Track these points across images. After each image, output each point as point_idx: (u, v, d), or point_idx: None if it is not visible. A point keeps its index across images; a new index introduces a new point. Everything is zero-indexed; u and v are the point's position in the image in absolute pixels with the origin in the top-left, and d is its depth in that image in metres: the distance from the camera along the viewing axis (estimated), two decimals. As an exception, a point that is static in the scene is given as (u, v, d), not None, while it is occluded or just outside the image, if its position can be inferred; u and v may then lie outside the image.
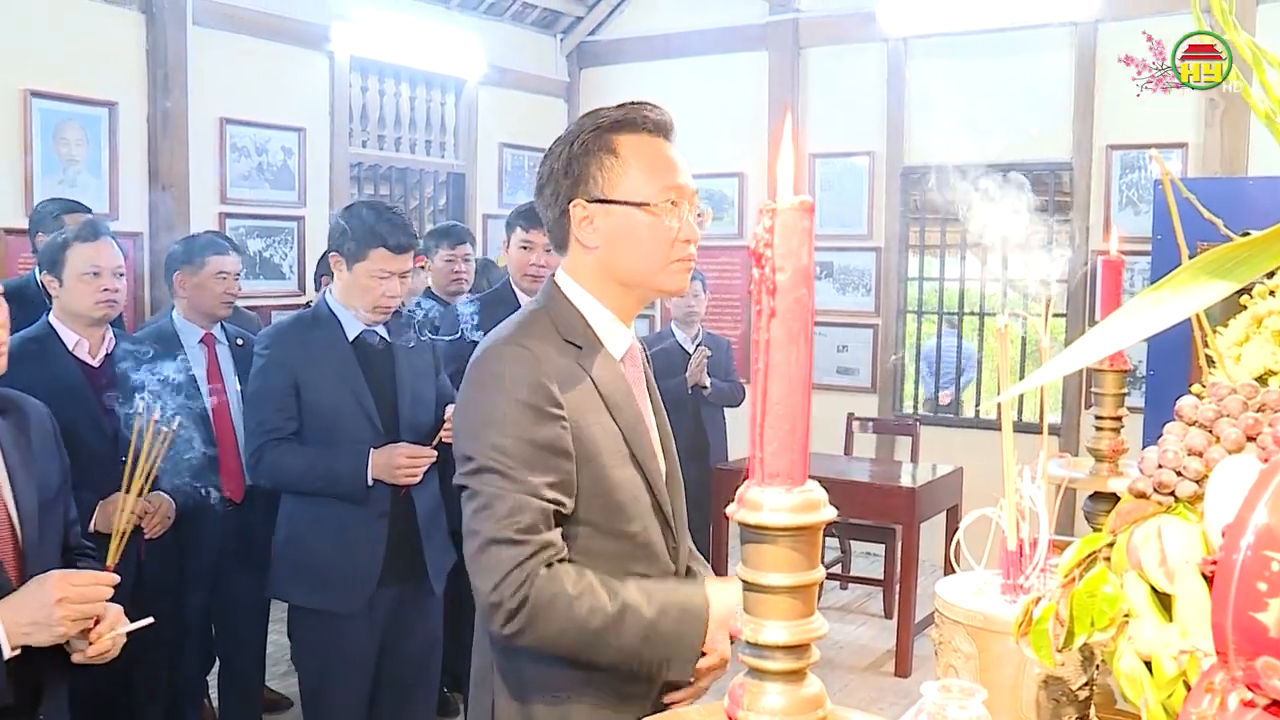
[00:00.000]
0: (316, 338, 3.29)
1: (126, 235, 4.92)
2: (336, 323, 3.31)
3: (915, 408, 7.49)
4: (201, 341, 3.99)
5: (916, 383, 7.47)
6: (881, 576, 6.16)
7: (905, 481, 5.54)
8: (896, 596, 5.59)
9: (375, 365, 3.33)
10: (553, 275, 1.90)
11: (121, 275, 3.44)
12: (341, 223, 3.30)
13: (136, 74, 5.59)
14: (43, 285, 3.79)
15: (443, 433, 3.35)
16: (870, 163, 7.21)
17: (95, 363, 3.41)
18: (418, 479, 3.29)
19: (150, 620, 2.20)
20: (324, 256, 4.48)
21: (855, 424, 6.58)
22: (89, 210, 4.23)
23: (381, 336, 3.38)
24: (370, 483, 3.23)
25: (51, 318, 3.41)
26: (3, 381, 3.24)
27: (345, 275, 3.27)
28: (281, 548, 3.38)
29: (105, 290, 3.37)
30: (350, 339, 3.31)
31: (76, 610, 1.98)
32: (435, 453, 3.33)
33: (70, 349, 3.38)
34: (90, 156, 5.40)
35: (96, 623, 2.05)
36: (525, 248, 4.12)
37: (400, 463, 3.24)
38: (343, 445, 3.25)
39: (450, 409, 3.31)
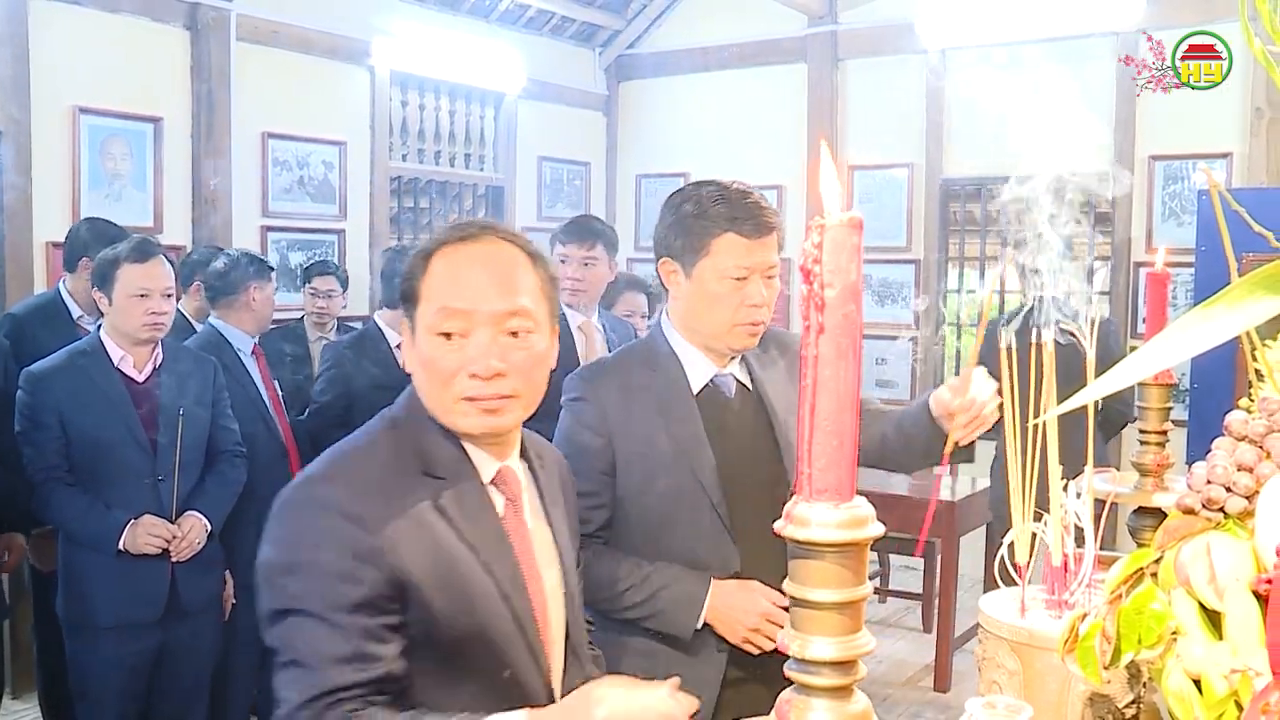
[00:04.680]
0: (648, 381, 2.23)
1: (170, 249, 4.96)
2: (677, 363, 2.24)
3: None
4: (252, 352, 4.15)
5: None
6: (920, 590, 6.11)
7: (944, 495, 5.50)
8: (935, 611, 5.55)
9: (727, 430, 2.22)
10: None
11: (170, 296, 3.44)
12: (668, 214, 2.22)
13: (181, 90, 5.66)
14: (70, 296, 4.03)
15: None
16: (909, 175, 7.17)
17: (140, 378, 3.43)
18: None
19: None
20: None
21: (894, 437, 6.51)
22: (125, 233, 4.16)
23: (740, 382, 2.28)
24: None
25: (101, 333, 3.43)
26: (50, 391, 3.30)
27: (683, 285, 2.19)
28: None
29: (152, 313, 3.37)
30: (695, 390, 2.22)
31: None
32: None
33: (115, 364, 3.39)
34: (135, 171, 5.46)
35: None
36: (562, 261, 4.05)
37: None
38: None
39: None
